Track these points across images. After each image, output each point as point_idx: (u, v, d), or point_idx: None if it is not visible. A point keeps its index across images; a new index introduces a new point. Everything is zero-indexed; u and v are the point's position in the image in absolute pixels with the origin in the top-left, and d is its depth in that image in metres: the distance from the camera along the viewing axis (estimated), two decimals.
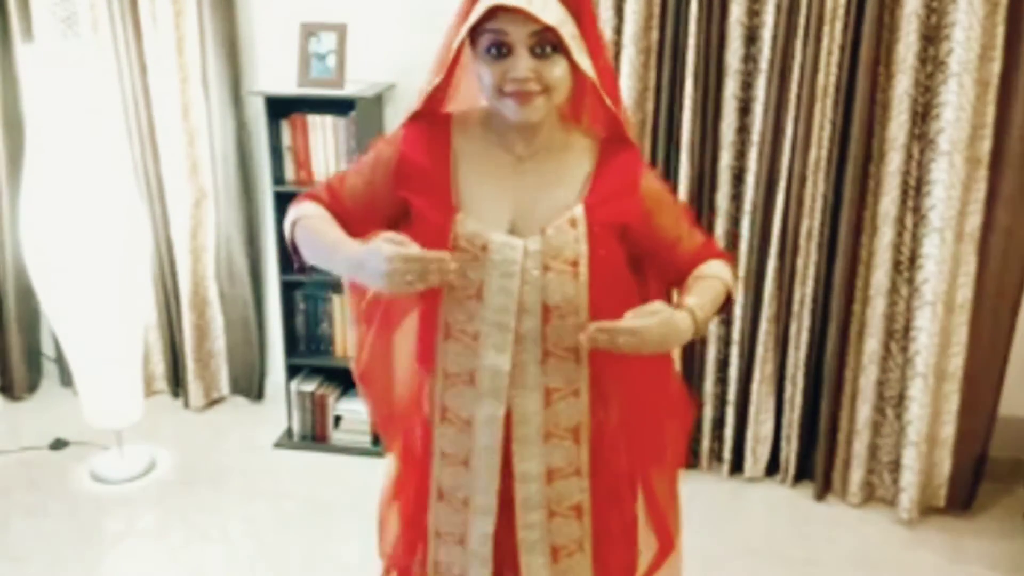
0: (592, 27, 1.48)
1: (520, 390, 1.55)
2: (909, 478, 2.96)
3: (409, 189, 1.55)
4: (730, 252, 3.07)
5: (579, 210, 1.50)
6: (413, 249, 1.37)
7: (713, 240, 1.85)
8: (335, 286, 3.34)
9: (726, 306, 1.64)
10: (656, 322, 1.44)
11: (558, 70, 1.42)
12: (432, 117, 1.56)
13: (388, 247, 1.37)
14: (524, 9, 1.36)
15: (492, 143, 1.54)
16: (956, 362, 2.90)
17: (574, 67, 1.44)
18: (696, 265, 1.63)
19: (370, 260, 1.39)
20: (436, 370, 1.59)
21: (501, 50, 1.41)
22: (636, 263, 1.63)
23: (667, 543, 1.81)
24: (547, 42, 1.40)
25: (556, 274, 1.49)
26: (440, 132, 1.55)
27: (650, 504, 1.77)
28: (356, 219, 1.58)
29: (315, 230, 1.55)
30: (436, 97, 1.55)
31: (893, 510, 3.04)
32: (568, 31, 1.40)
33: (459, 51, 1.49)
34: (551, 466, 1.60)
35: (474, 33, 1.44)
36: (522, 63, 1.40)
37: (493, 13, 1.39)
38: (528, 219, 1.51)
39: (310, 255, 1.56)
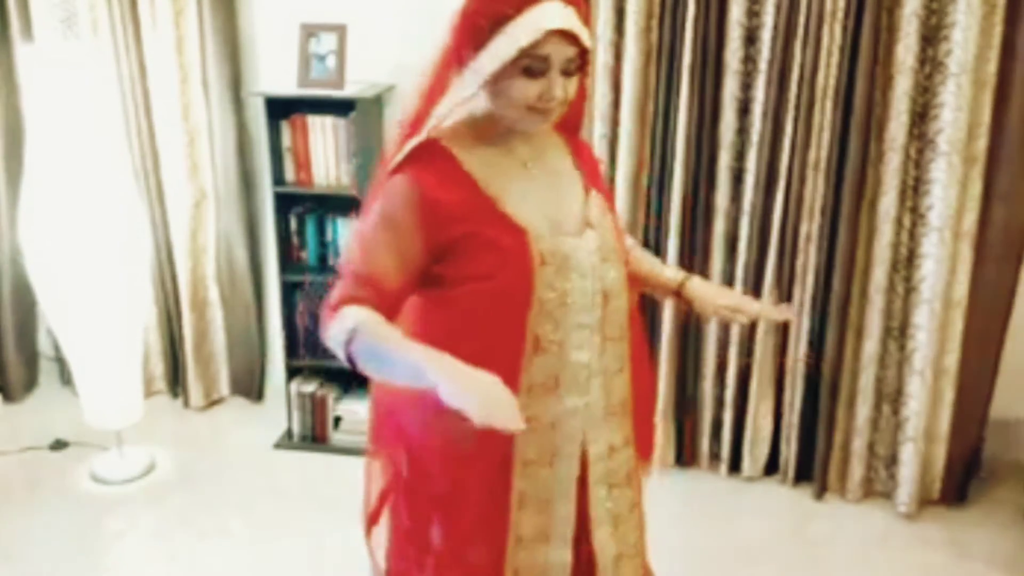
0: None
1: (596, 375, 1.62)
2: (907, 473, 2.99)
3: (454, 227, 1.49)
4: (729, 252, 3.08)
5: (597, 197, 1.62)
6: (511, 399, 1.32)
7: None
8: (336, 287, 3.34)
9: None
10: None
11: (573, 87, 1.51)
12: (423, 152, 1.52)
13: (502, 386, 1.32)
14: (577, 34, 1.44)
15: (496, 153, 1.55)
16: (952, 358, 2.93)
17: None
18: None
19: (476, 385, 1.31)
20: (520, 385, 1.54)
21: (538, 69, 1.45)
22: None
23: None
24: (575, 65, 1.48)
25: (611, 262, 1.60)
26: (443, 161, 1.52)
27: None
28: (403, 299, 1.51)
29: (382, 346, 1.41)
30: (416, 127, 1.55)
31: (891, 504, 3.06)
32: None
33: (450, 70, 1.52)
34: (611, 443, 1.68)
35: (477, 48, 1.46)
36: (559, 84, 1.46)
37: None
38: (561, 217, 1.57)
39: (374, 368, 1.43)
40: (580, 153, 1.68)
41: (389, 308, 1.46)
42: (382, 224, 1.49)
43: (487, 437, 1.36)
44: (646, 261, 1.87)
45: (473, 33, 1.46)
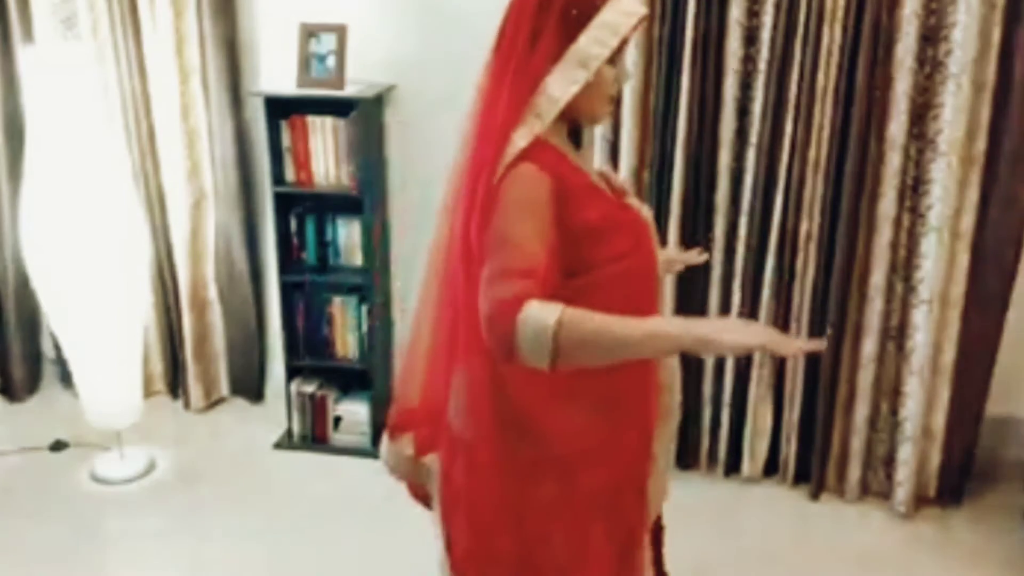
0: None
1: None
2: (905, 473, 3.00)
3: (588, 211, 1.49)
4: (729, 252, 3.08)
5: (620, 178, 1.74)
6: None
7: None
8: (336, 287, 3.34)
9: None
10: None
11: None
12: (533, 148, 1.48)
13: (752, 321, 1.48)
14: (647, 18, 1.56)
15: (568, 144, 1.61)
16: (948, 358, 2.94)
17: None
18: None
19: (751, 326, 1.40)
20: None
21: (618, 56, 1.53)
22: None
23: None
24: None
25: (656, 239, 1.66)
26: (553, 153, 1.51)
27: None
28: (556, 288, 1.42)
29: (597, 326, 1.35)
30: (507, 128, 1.49)
31: (888, 504, 3.07)
32: None
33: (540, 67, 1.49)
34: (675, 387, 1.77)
35: (567, 39, 1.47)
36: (627, 67, 1.58)
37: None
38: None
39: (590, 355, 1.37)
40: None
41: (550, 297, 1.37)
42: (523, 214, 1.43)
43: (634, 425, 1.60)
44: None
45: (565, 24, 1.46)
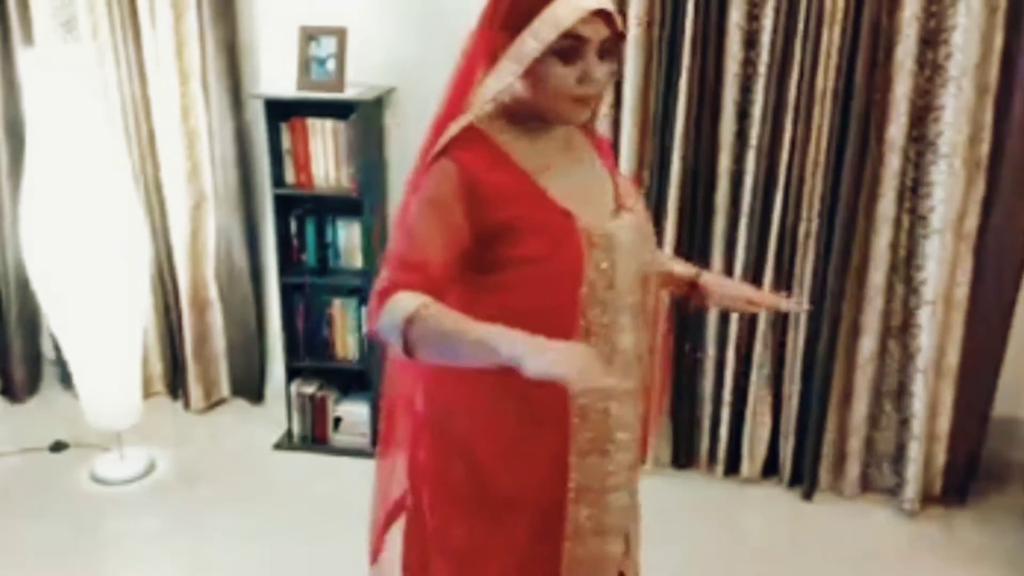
0: None
1: (635, 361, 1.63)
2: (912, 471, 3.01)
3: (503, 210, 1.47)
4: (728, 253, 3.08)
5: (626, 181, 1.65)
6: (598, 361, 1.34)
7: None
8: (335, 289, 3.35)
9: None
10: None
11: (605, 75, 1.49)
12: (464, 137, 1.51)
13: (587, 349, 1.34)
14: (612, 14, 1.45)
15: (534, 136, 1.55)
16: (953, 359, 2.96)
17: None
18: None
19: (566, 352, 1.27)
20: None
21: (571, 54, 1.45)
22: None
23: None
24: (609, 48, 1.47)
25: (648, 244, 1.62)
26: (485, 145, 1.51)
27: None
28: (449, 285, 1.47)
29: (447, 326, 1.36)
30: (450, 117, 1.53)
31: (893, 502, 3.10)
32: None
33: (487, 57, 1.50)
34: (634, 429, 1.69)
35: (515, 34, 1.45)
36: (596, 66, 1.46)
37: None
38: (598, 200, 1.59)
39: (436, 352, 1.39)
40: (598, 143, 1.70)
41: (437, 294, 1.41)
42: (429, 209, 1.47)
43: (546, 429, 1.53)
44: (659, 254, 1.84)
45: (512, 17, 1.45)
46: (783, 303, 1.91)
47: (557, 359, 1.24)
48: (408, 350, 1.38)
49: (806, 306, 1.92)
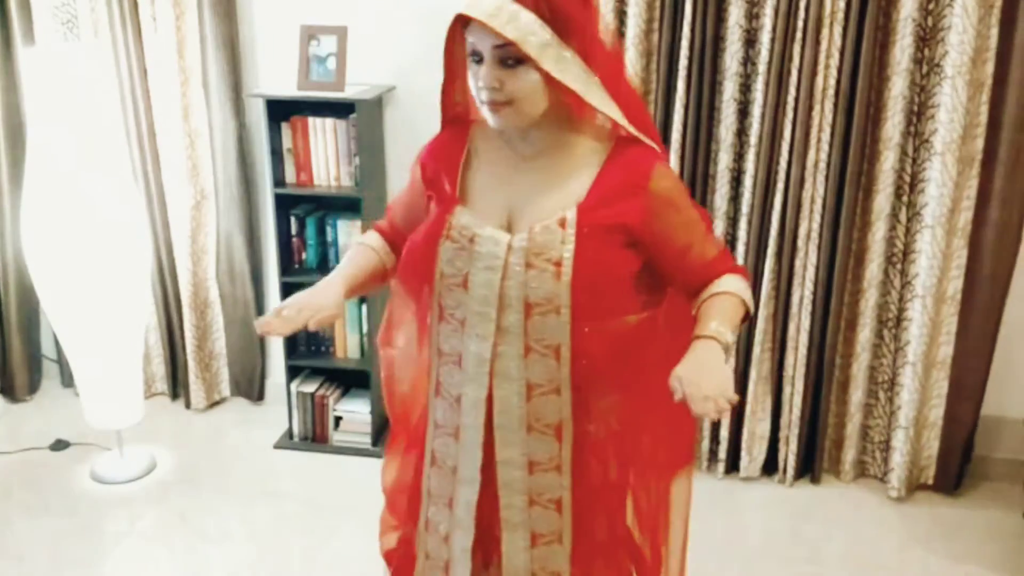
0: (589, 37, 1.46)
1: (502, 379, 1.57)
2: (899, 459, 3.08)
3: (431, 189, 1.64)
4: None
5: (572, 212, 1.50)
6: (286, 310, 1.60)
7: (728, 253, 1.69)
8: None
9: (744, 321, 1.60)
10: (692, 375, 1.40)
11: (522, 82, 1.42)
12: (451, 123, 1.65)
13: (290, 301, 1.61)
14: (484, 22, 1.38)
15: (503, 143, 1.57)
16: (946, 351, 3.00)
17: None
18: (708, 278, 1.59)
19: (302, 298, 1.62)
20: (432, 347, 1.66)
21: (476, 58, 1.45)
22: (654, 270, 1.60)
23: (649, 562, 1.78)
24: (512, 55, 1.41)
25: (538, 271, 1.50)
26: (460, 134, 1.62)
27: (639, 519, 1.78)
28: (407, 233, 1.67)
29: (345, 260, 1.76)
30: (448, 102, 1.63)
31: (883, 488, 3.17)
32: (536, 42, 1.39)
33: (456, 55, 1.54)
34: (532, 458, 1.61)
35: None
36: (486, 72, 1.43)
37: (468, 21, 1.43)
38: (523, 216, 1.53)
39: None
40: (618, 164, 1.52)
41: (397, 240, 1.73)
42: (409, 177, 1.72)
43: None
44: (708, 309, 1.56)
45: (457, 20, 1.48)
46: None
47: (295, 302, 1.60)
48: None
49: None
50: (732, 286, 1.58)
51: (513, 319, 1.53)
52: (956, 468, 3.13)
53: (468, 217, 1.55)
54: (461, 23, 1.45)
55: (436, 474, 1.71)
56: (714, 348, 1.46)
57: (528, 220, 1.53)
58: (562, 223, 1.49)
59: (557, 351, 1.53)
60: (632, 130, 1.52)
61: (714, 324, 1.49)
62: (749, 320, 1.62)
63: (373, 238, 1.78)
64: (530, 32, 1.39)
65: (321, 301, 1.60)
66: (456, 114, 1.64)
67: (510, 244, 1.51)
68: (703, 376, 1.40)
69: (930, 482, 3.15)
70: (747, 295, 1.60)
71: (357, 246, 1.78)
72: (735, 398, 1.40)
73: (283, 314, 1.57)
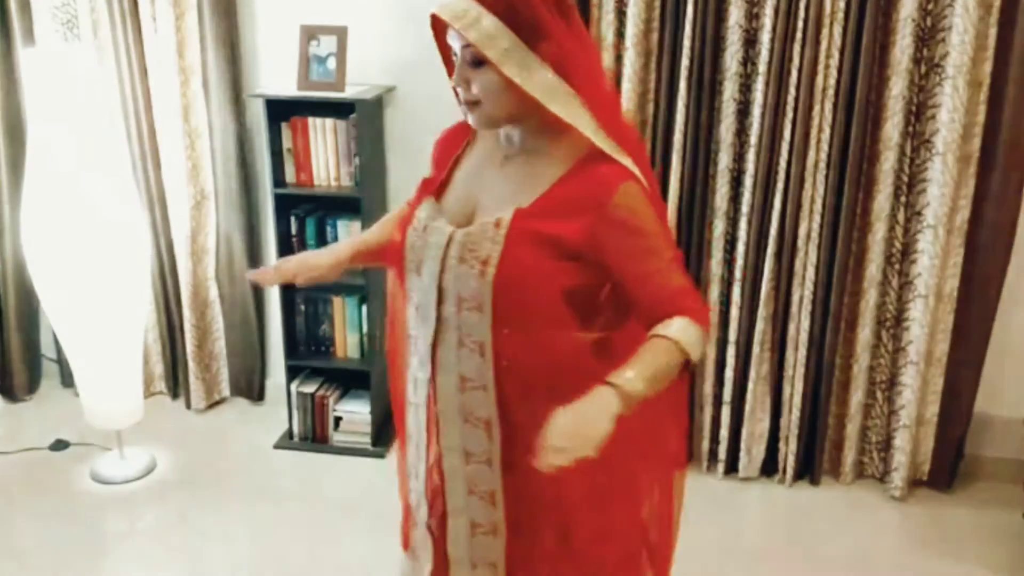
0: (565, 48, 1.45)
1: (441, 368, 1.61)
2: (900, 459, 3.10)
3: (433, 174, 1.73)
4: (728, 253, 3.09)
5: (508, 214, 1.50)
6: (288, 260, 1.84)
7: (692, 292, 1.56)
8: (335, 288, 3.35)
9: (685, 370, 1.49)
10: (561, 420, 1.34)
11: (486, 83, 1.46)
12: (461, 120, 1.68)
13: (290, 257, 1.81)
14: (448, 22, 1.43)
15: (497, 141, 1.62)
16: (942, 348, 3.03)
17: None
18: (664, 313, 1.48)
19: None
20: (403, 330, 1.73)
21: (454, 56, 1.51)
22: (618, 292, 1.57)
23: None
24: (476, 56, 1.45)
25: (468, 267, 1.52)
26: (465, 129, 1.67)
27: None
28: None
29: (368, 230, 1.91)
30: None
31: (883, 487, 3.19)
32: (498, 46, 1.41)
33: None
34: (467, 448, 1.64)
35: None
36: (456, 71, 1.50)
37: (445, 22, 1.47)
38: (483, 213, 1.57)
39: None
40: (578, 177, 1.49)
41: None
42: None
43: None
44: (640, 351, 1.47)
45: None
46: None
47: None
48: None
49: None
50: (676, 331, 1.46)
51: (450, 311, 1.57)
52: (950, 464, 3.15)
53: (429, 208, 1.62)
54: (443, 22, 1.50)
55: (411, 451, 1.78)
56: (608, 400, 1.37)
57: (473, 212, 1.59)
58: (497, 224, 1.51)
59: (482, 348, 1.55)
60: (603, 145, 1.48)
61: (630, 373, 1.40)
62: (691, 369, 1.50)
63: (398, 211, 1.84)
64: (492, 36, 1.42)
65: (316, 261, 1.79)
66: None
67: (451, 237, 1.55)
68: (574, 427, 1.34)
69: (925, 478, 3.17)
70: (691, 341, 1.47)
71: (384, 219, 1.89)
72: (589, 456, 1.32)
73: (280, 268, 1.79)
